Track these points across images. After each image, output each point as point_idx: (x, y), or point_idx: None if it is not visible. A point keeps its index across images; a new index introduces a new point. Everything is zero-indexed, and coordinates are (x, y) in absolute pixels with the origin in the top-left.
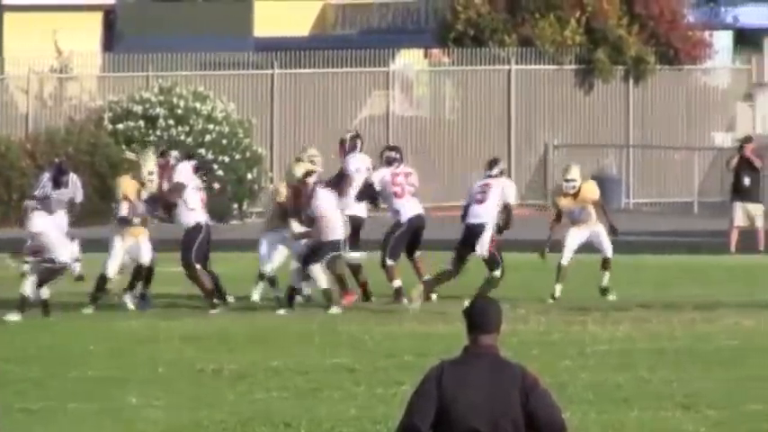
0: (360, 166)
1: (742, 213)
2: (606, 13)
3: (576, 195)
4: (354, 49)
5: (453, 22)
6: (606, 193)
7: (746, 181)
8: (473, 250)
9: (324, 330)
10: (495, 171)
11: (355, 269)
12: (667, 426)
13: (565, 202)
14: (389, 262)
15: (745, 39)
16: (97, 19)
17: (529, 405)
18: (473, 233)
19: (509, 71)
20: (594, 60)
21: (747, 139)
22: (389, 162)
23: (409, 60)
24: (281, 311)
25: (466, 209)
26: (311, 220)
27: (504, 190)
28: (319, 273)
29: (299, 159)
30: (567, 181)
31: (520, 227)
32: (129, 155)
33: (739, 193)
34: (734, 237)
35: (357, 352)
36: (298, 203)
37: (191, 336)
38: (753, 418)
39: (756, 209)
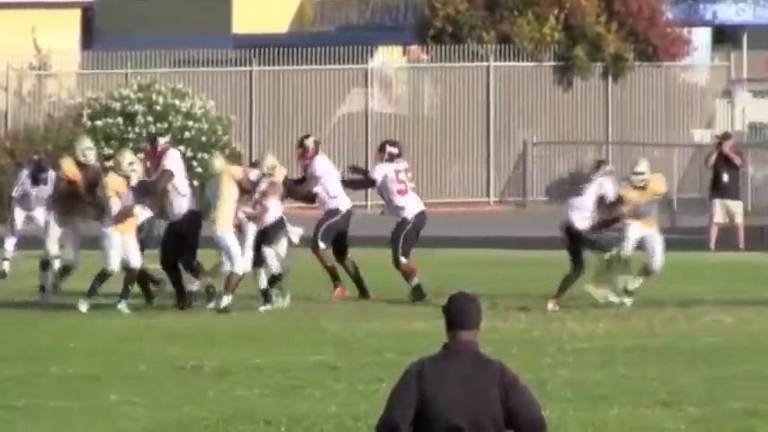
0: (327, 168)
1: (721, 210)
2: (584, 10)
3: (643, 188)
4: (333, 47)
5: (432, 19)
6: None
7: (725, 178)
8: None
9: (306, 328)
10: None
11: (352, 267)
12: (648, 423)
13: (633, 195)
14: (403, 260)
15: (724, 35)
16: (76, 16)
17: (509, 402)
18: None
19: (488, 68)
20: (573, 57)
21: (726, 136)
22: (392, 158)
23: (388, 57)
24: (264, 308)
25: None
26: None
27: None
28: (271, 257)
29: (254, 164)
30: (635, 174)
31: (498, 224)
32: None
33: (718, 190)
34: (713, 234)
35: (340, 349)
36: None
37: (173, 333)
38: (734, 415)
39: (735, 206)
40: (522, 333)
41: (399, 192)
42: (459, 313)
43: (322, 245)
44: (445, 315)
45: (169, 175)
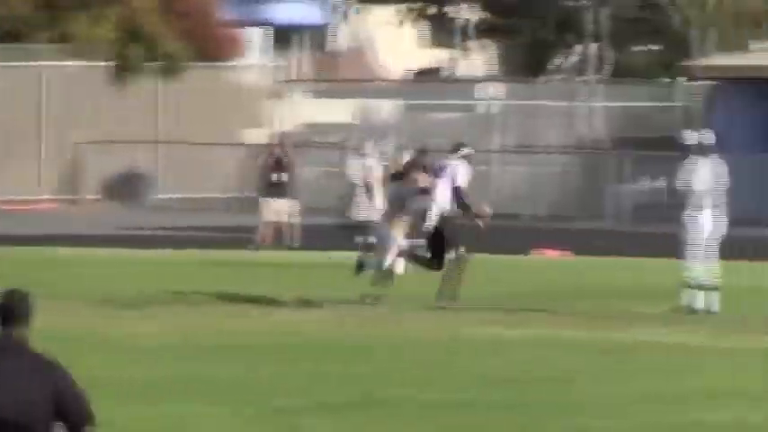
0: None
1: (271, 209)
2: (140, 10)
3: None
4: None
5: None
6: (138, 189)
7: (276, 177)
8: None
9: None
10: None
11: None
12: (201, 422)
13: None
14: None
15: (279, 36)
16: None
17: (59, 396)
18: None
19: (41, 68)
20: (126, 57)
21: (279, 136)
22: None
23: None
24: None
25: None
26: None
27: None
28: None
29: None
30: None
31: (53, 221)
32: None
33: (269, 189)
34: (265, 232)
35: None
36: None
37: None
38: (283, 412)
39: (285, 205)
40: (91, 333)
41: None
42: (11, 310)
43: None
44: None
45: None
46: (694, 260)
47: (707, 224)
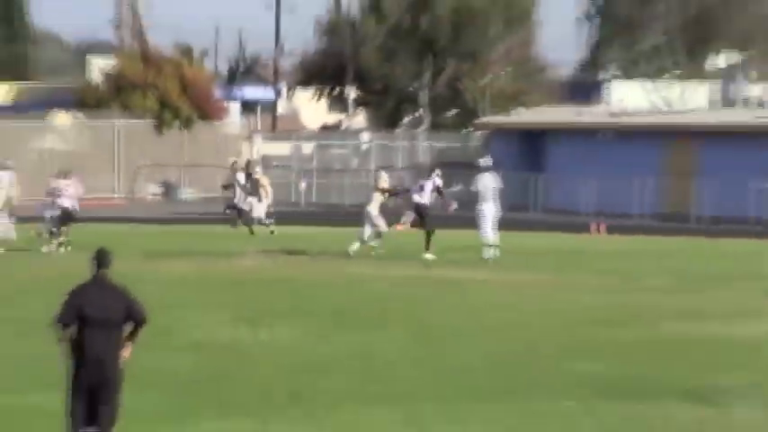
0: None
1: (246, 203)
2: (169, 91)
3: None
4: None
5: None
6: (171, 191)
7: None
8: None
9: None
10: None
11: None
12: (201, 321)
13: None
14: None
15: (247, 106)
16: None
17: (129, 306)
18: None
19: (114, 124)
20: (162, 118)
21: (244, 163)
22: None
23: None
24: None
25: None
26: None
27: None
28: None
29: None
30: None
31: (122, 211)
32: None
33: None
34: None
35: None
36: None
37: None
38: (244, 318)
39: (254, 200)
40: (138, 272)
41: None
42: (103, 258)
43: None
44: (95, 260)
45: None
46: (485, 231)
47: (488, 211)
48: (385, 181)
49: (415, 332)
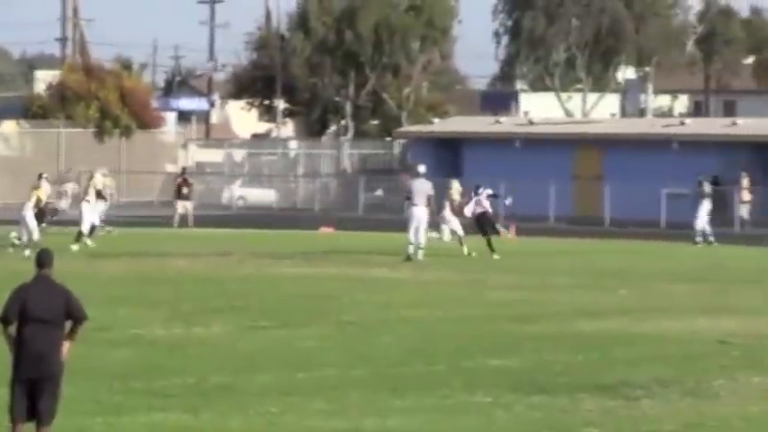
0: None
1: (181, 207)
2: (110, 102)
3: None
4: None
5: None
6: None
7: (184, 190)
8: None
9: None
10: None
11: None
12: (145, 317)
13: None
14: None
15: (182, 116)
16: None
17: (68, 304)
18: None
19: (59, 132)
20: (103, 127)
21: (184, 169)
22: None
23: None
24: None
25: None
26: None
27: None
28: None
29: None
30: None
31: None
32: None
33: (179, 195)
34: (177, 219)
35: None
36: None
37: None
38: (183, 312)
39: (188, 204)
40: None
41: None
42: (43, 258)
43: None
44: (36, 259)
45: None
46: (412, 232)
47: (417, 212)
48: (457, 191)
49: (338, 327)
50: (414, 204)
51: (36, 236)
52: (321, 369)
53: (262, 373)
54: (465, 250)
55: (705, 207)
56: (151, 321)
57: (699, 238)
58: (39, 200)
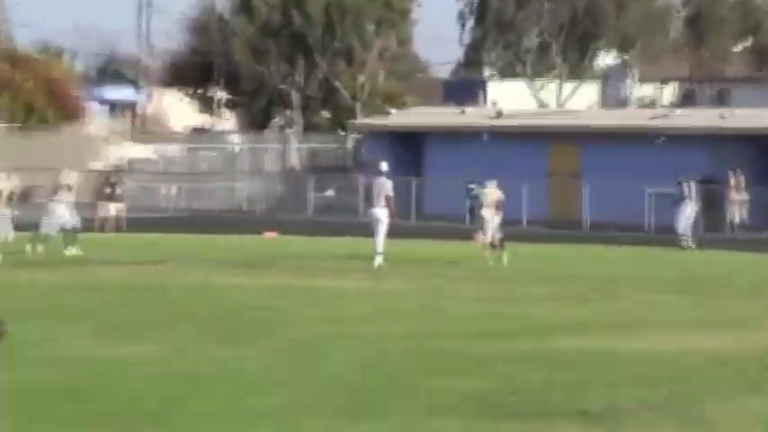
0: None
1: (108, 208)
2: (35, 93)
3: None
4: None
5: None
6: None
7: (109, 190)
8: None
9: None
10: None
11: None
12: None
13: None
14: None
15: (111, 107)
16: None
17: None
18: None
19: None
20: (27, 121)
21: (111, 166)
22: None
23: None
24: None
25: None
26: None
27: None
28: None
29: None
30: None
31: None
32: None
33: (106, 196)
34: (102, 222)
35: None
36: None
37: None
38: (117, 324)
39: (117, 206)
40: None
41: None
42: None
43: None
44: None
45: None
46: (376, 236)
47: (378, 213)
48: (495, 191)
49: (285, 343)
50: (372, 206)
51: None
52: (269, 392)
53: (200, 397)
54: (505, 258)
55: (686, 210)
56: (76, 337)
57: (684, 242)
58: None
